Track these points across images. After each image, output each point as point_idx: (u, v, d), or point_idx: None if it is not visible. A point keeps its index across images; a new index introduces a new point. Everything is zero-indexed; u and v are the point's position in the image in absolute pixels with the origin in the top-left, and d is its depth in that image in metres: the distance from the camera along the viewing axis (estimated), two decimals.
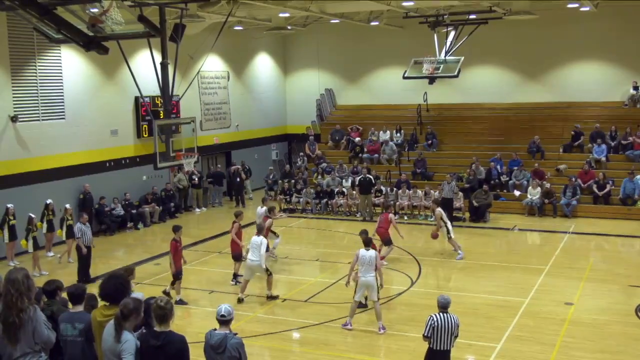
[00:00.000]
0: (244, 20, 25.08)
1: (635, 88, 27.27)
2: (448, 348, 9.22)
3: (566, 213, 23.38)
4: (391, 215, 18.08)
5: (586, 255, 19.00)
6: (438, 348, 9.15)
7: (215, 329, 7.77)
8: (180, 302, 14.81)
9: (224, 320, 7.80)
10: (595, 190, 23.82)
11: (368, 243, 13.23)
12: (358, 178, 24.86)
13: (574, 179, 24.02)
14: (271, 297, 15.10)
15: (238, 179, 27.77)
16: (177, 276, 14.99)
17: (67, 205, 19.67)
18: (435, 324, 9.14)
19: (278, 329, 13.40)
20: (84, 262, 17.10)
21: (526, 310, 14.27)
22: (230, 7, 21.29)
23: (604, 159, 25.33)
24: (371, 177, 24.59)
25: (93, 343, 7.10)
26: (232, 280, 16.51)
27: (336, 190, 25.81)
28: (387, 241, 17.73)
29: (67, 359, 7.24)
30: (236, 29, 27.97)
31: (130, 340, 6.58)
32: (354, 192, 24.96)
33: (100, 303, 7.38)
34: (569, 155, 26.03)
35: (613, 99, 27.91)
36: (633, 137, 25.48)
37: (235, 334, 7.76)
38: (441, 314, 9.26)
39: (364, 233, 14.07)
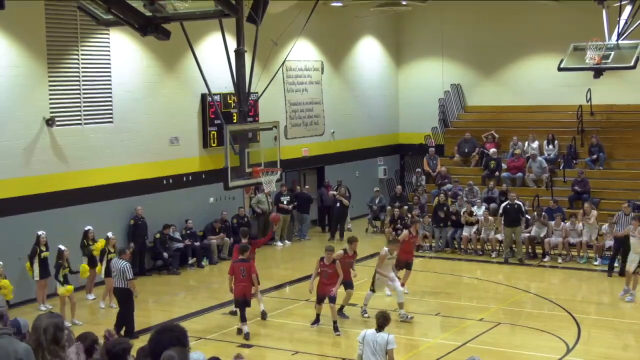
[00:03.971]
0: None
1: None
2: None
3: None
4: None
5: None
6: None
7: None
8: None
9: None
10: None
11: None
12: (503, 205, 24.50)
13: None
14: None
15: (339, 204, 27.99)
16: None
17: (110, 234, 20.15)
18: None
19: None
20: (131, 309, 17.16)
21: None
22: None
23: None
24: (520, 203, 24.30)
25: None
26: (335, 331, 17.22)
27: (464, 212, 25.66)
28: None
29: None
30: (334, 6, 28.26)
31: None
32: (494, 220, 24.99)
33: None
34: None
35: None
36: None
37: None
38: None
39: None
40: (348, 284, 17.87)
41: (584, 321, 17.92)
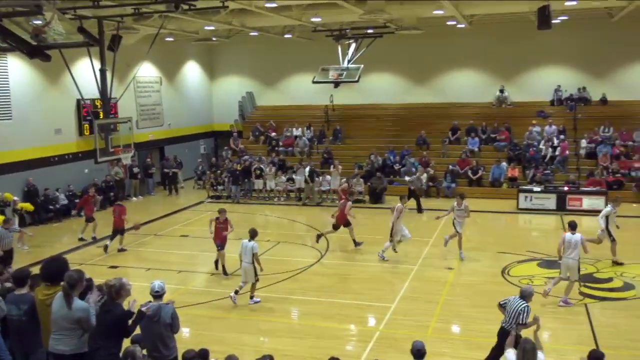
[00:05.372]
0: (174, 32, 24.49)
1: (501, 91, 28.51)
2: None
3: (447, 194, 24.10)
4: (349, 203, 17.40)
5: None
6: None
7: (150, 302, 7.66)
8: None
9: (158, 295, 7.72)
10: (470, 175, 24.74)
11: (574, 227, 12.42)
12: (307, 169, 24.44)
13: (450, 167, 24.89)
14: (253, 299, 13.02)
15: (171, 173, 27.46)
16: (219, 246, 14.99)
17: (15, 197, 19.17)
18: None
19: (208, 299, 13.28)
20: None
21: (415, 275, 14.70)
22: (161, 21, 20.81)
23: (476, 149, 26.31)
24: (314, 169, 24.64)
25: (37, 320, 6.94)
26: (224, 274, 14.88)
27: (254, 169, 25.58)
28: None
29: (12, 336, 7.05)
30: (167, 40, 27.30)
31: (85, 304, 6.69)
32: (275, 172, 25.36)
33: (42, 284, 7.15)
34: (449, 147, 26.85)
35: (484, 100, 28.99)
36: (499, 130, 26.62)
37: (168, 303, 7.68)
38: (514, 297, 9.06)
39: (572, 222, 12.58)
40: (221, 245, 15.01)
41: (332, 238, 18.42)
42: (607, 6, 22.22)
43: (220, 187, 25.76)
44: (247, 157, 27.68)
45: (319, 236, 17.25)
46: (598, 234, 14.90)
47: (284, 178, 25.13)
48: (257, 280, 12.84)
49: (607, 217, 14.80)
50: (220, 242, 14.92)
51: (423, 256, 16.26)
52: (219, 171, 26.72)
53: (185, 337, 11.14)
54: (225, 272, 14.87)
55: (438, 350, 10.48)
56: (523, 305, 8.73)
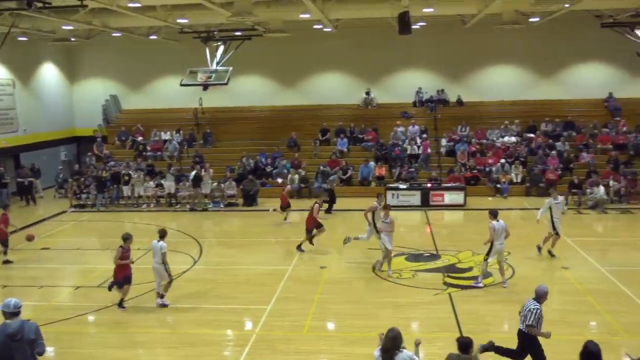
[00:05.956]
0: (28, 31, 22.94)
1: (367, 93, 29.61)
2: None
3: (318, 194, 24.50)
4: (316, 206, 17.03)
5: (334, 226, 20.07)
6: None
7: (7, 321, 7.14)
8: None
9: (15, 313, 7.22)
10: (340, 175, 25.41)
11: (496, 215, 13.35)
12: (194, 173, 23.95)
13: (322, 167, 25.42)
14: (161, 301, 12.78)
15: (27, 182, 25.62)
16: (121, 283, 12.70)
17: None
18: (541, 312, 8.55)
19: (74, 314, 12.57)
20: None
21: (290, 275, 14.85)
22: (12, 19, 19.39)
23: (345, 149, 27.10)
24: (200, 174, 23.94)
25: None
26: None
27: (122, 174, 24.70)
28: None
29: None
30: (21, 39, 25.49)
31: None
32: (143, 178, 24.52)
33: None
34: (320, 148, 27.41)
35: (351, 102, 29.94)
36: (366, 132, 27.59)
37: (29, 320, 7.22)
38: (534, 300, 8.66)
39: (494, 211, 13.54)
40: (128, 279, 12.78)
41: (205, 243, 18.35)
42: (460, 13, 23.79)
43: (84, 196, 24.47)
44: (112, 163, 26.58)
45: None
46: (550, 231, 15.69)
47: (152, 183, 24.39)
48: (170, 279, 12.73)
49: (550, 209, 15.51)
50: (127, 276, 12.70)
51: (297, 257, 16.45)
52: (82, 179, 25.38)
53: (50, 357, 10.46)
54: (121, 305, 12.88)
55: (315, 348, 10.68)
56: (533, 307, 8.53)
